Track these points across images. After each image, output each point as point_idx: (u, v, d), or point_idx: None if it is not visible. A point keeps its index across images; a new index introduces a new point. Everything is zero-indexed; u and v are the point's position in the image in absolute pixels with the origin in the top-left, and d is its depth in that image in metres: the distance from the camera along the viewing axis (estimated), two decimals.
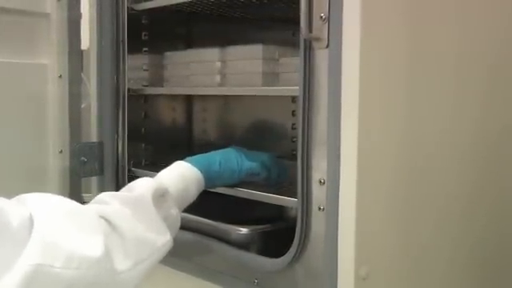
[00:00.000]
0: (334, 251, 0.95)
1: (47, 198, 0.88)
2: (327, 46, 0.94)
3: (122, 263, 0.86)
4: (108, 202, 0.94)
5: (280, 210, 1.31)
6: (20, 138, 1.33)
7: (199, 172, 1.10)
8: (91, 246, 0.82)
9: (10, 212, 0.76)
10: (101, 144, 1.42)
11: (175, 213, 1.01)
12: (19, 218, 0.77)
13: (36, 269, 0.75)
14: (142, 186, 1.01)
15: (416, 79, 1.01)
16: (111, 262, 0.84)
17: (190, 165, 1.10)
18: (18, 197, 0.84)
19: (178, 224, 1.03)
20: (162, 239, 0.95)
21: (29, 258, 0.75)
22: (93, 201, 0.97)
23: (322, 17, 0.95)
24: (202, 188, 1.10)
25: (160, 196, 0.99)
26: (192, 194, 1.08)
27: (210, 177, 1.11)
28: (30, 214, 0.79)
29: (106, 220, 0.89)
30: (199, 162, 1.11)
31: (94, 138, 1.43)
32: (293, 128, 1.49)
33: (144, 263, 0.91)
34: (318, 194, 0.98)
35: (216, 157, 1.15)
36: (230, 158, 1.16)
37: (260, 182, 1.18)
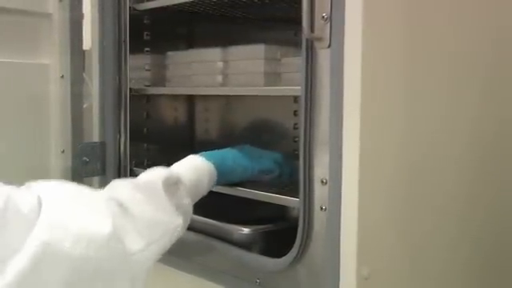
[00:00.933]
0: (336, 251, 0.95)
1: (55, 183, 0.89)
2: (329, 46, 0.94)
3: (133, 244, 0.86)
4: (119, 187, 0.95)
5: (282, 209, 1.31)
6: (22, 138, 1.33)
7: (212, 166, 1.09)
8: (99, 226, 0.82)
9: (19, 198, 0.77)
10: (103, 144, 1.42)
11: (187, 202, 1.00)
12: (28, 202, 0.77)
13: (45, 248, 0.75)
14: (155, 173, 1.01)
15: (416, 78, 1.01)
16: (122, 243, 0.84)
17: (203, 158, 1.10)
18: (26, 184, 0.85)
19: (191, 214, 1.02)
20: (175, 222, 0.95)
21: (37, 238, 0.75)
22: (106, 187, 0.98)
23: (323, 17, 0.95)
24: (214, 182, 1.10)
25: (172, 184, 0.99)
26: (204, 187, 1.07)
27: (222, 171, 1.11)
28: (39, 198, 0.79)
29: (117, 202, 0.89)
30: (213, 156, 1.11)
31: (96, 138, 1.43)
32: (295, 128, 1.49)
33: (156, 244, 0.90)
34: (320, 193, 0.98)
35: (230, 153, 1.16)
36: (243, 155, 1.16)
37: (271, 180, 1.19)
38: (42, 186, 0.84)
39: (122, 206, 0.89)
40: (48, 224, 0.77)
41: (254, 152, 1.20)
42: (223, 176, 1.11)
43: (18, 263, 0.73)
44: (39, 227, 0.76)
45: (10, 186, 0.77)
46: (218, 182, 1.11)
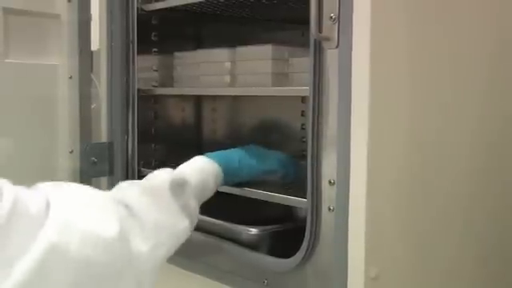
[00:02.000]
0: (344, 252, 0.95)
1: (63, 184, 0.89)
2: (337, 46, 0.94)
3: (140, 246, 0.86)
4: (126, 189, 0.96)
5: (290, 210, 1.31)
6: (30, 139, 1.34)
7: (218, 166, 1.09)
8: (107, 226, 0.82)
9: (27, 199, 0.77)
10: (111, 144, 1.42)
11: (193, 204, 1.01)
12: (37, 203, 0.77)
13: (53, 249, 0.75)
14: (161, 175, 1.01)
15: (423, 78, 1.01)
16: (128, 245, 0.84)
17: (209, 159, 1.10)
18: (34, 185, 0.85)
19: (197, 215, 1.02)
20: (181, 224, 0.96)
21: (45, 239, 0.75)
22: (113, 189, 0.98)
23: (331, 17, 0.94)
24: (220, 183, 1.10)
25: (179, 186, 0.99)
26: (211, 188, 1.07)
27: (228, 172, 1.11)
28: (47, 199, 0.79)
29: (124, 204, 0.89)
30: (218, 156, 1.11)
31: (104, 139, 1.44)
32: (302, 128, 1.49)
33: (162, 247, 0.91)
34: (328, 194, 0.98)
35: (235, 153, 1.16)
36: (249, 155, 1.16)
37: (277, 180, 1.19)
38: (49, 187, 0.84)
39: (128, 208, 0.89)
40: (56, 225, 0.77)
41: (260, 152, 1.20)
42: (229, 176, 1.12)
43: (26, 264, 0.73)
44: (47, 228, 0.76)
45: (18, 187, 0.78)
46: (224, 183, 1.11)
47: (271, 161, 1.19)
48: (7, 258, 0.72)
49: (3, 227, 0.72)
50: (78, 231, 0.79)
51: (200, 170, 1.07)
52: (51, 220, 0.77)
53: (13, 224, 0.73)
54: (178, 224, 0.96)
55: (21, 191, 0.77)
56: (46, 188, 0.84)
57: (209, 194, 1.07)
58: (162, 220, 0.93)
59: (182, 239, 0.96)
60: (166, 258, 0.92)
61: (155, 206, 0.93)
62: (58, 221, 0.77)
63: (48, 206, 0.78)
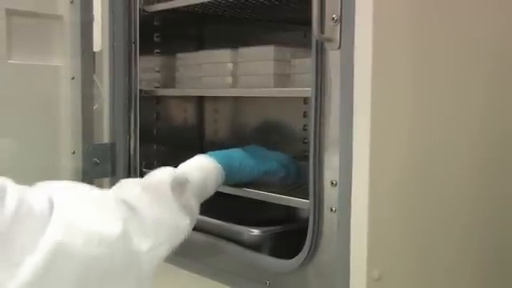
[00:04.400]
0: (346, 253, 0.95)
1: (66, 183, 0.91)
2: (339, 47, 0.94)
3: (142, 244, 0.87)
4: (128, 187, 0.97)
5: (293, 211, 1.31)
6: (33, 139, 1.34)
7: (219, 165, 1.10)
8: (110, 225, 0.83)
9: (31, 198, 0.77)
10: (113, 145, 1.42)
11: (194, 203, 1.01)
12: (40, 203, 0.78)
13: (58, 247, 0.75)
14: (162, 174, 1.01)
15: (425, 79, 1.01)
16: (131, 243, 0.85)
17: (210, 158, 1.10)
18: (37, 184, 0.85)
19: (197, 214, 1.02)
20: (182, 223, 0.96)
21: (50, 238, 0.75)
22: (114, 186, 0.99)
23: (333, 18, 0.94)
24: (221, 182, 1.10)
25: (179, 185, 0.99)
26: (211, 187, 1.08)
27: (229, 171, 1.11)
28: (50, 199, 0.80)
29: (126, 203, 0.90)
30: (220, 156, 1.12)
31: (107, 140, 1.44)
32: (304, 129, 1.49)
33: (163, 244, 0.91)
34: (330, 195, 0.98)
35: (237, 153, 1.16)
36: (250, 155, 1.16)
37: (277, 181, 1.19)
38: (53, 187, 0.85)
39: (130, 207, 0.90)
40: (60, 224, 0.77)
41: (261, 152, 1.21)
42: (230, 176, 1.12)
43: (32, 262, 0.73)
44: (52, 227, 0.76)
45: (21, 187, 0.78)
46: (225, 182, 1.12)
47: (272, 161, 1.19)
48: (13, 258, 0.73)
49: (8, 228, 0.72)
50: (83, 230, 0.79)
51: (201, 168, 1.07)
52: (55, 219, 0.77)
53: (17, 225, 0.73)
54: (179, 222, 0.96)
55: (24, 191, 0.78)
56: (48, 187, 0.84)
57: (209, 192, 1.08)
58: (163, 219, 0.94)
59: (183, 237, 0.97)
60: (166, 256, 0.93)
61: (156, 205, 0.94)
62: (62, 220, 0.78)
63: (52, 205, 0.79)
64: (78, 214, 0.81)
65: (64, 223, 0.78)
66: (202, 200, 1.05)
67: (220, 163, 1.10)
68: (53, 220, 0.77)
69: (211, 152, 1.13)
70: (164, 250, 0.92)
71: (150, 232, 0.89)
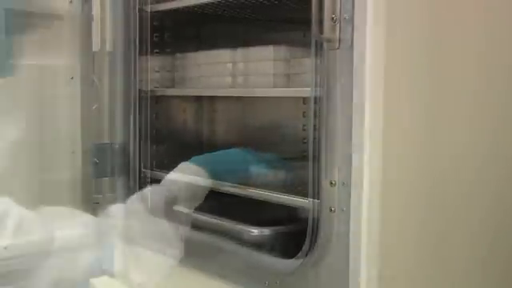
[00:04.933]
0: (346, 253, 0.95)
1: (67, 211, 0.98)
2: (338, 47, 0.94)
3: (137, 278, 0.93)
4: (120, 218, 1.01)
5: (295, 211, 1.31)
6: (32, 139, 1.34)
7: (204, 171, 1.12)
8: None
9: (31, 223, 0.83)
10: (112, 145, 1.42)
11: (185, 213, 1.04)
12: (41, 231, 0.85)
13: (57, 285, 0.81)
14: (154, 198, 1.05)
15: (426, 80, 1.01)
16: (128, 279, 0.91)
17: (194, 165, 1.13)
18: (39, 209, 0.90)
19: (189, 224, 1.06)
20: (175, 253, 1.01)
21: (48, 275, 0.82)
22: (105, 213, 1.01)
23: (333, 18, 0.94)
24: (208, 187, 1.13)
25: (170, 204, 1.03)
26: (200, 193, 1.11)
27: (214, 175, 1.14)
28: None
29: (120, 237, 0.94)
30: (204, 161, 1.14)
31: (106, 139, 1.44)
32: (304, 129, 1.49)
33: (157, 276, 0.98)
34: (330, 195, 0.98)
35: (220, 156, 1.18)
36: (235, 158, 1.18)
37: (266, 182, 1.20)
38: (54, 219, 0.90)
39: (125, 240, 0.95)
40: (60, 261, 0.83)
41: (246, 154, 1.22)
42: (216, 179, 1.14)
43: None
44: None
45: (23, 210, 0.82)
46: (213, 186, 1.14)
47: (258, 163, 1.20)
48: None
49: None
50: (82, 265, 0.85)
51: (188, 179, 1.11)
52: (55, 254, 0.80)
53: (17, 247, 0.76)
54: (172, 253, 1.02)
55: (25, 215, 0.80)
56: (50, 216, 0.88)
57: (199, 199, 1.12)
58: (157, 253, 1.00)
59: (175, 265, 1.03)
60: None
61: (151, 236, 1.00)
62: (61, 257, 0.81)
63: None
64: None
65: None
66: (193, 207, 1.10)
67: (204, 168, 1.13)
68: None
69: (195, 157, 1.16)
70: (157, 280, 1.00)
71: (145, 267, 0.97)
